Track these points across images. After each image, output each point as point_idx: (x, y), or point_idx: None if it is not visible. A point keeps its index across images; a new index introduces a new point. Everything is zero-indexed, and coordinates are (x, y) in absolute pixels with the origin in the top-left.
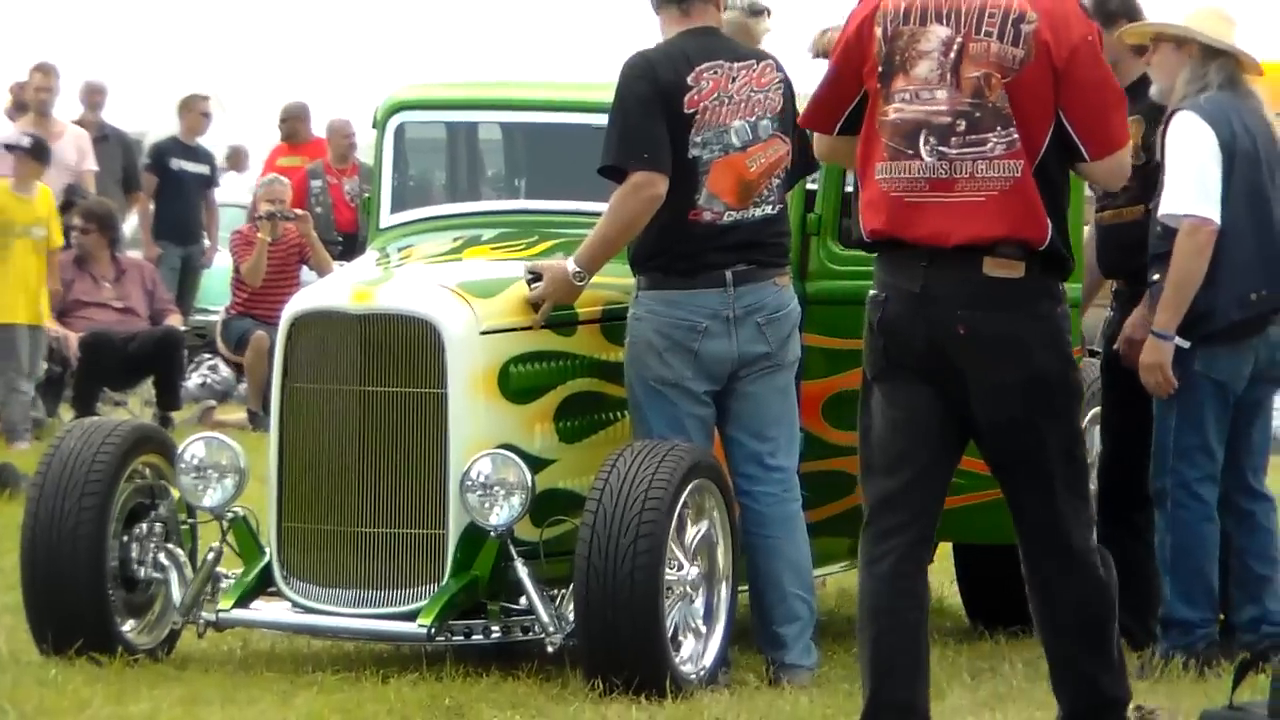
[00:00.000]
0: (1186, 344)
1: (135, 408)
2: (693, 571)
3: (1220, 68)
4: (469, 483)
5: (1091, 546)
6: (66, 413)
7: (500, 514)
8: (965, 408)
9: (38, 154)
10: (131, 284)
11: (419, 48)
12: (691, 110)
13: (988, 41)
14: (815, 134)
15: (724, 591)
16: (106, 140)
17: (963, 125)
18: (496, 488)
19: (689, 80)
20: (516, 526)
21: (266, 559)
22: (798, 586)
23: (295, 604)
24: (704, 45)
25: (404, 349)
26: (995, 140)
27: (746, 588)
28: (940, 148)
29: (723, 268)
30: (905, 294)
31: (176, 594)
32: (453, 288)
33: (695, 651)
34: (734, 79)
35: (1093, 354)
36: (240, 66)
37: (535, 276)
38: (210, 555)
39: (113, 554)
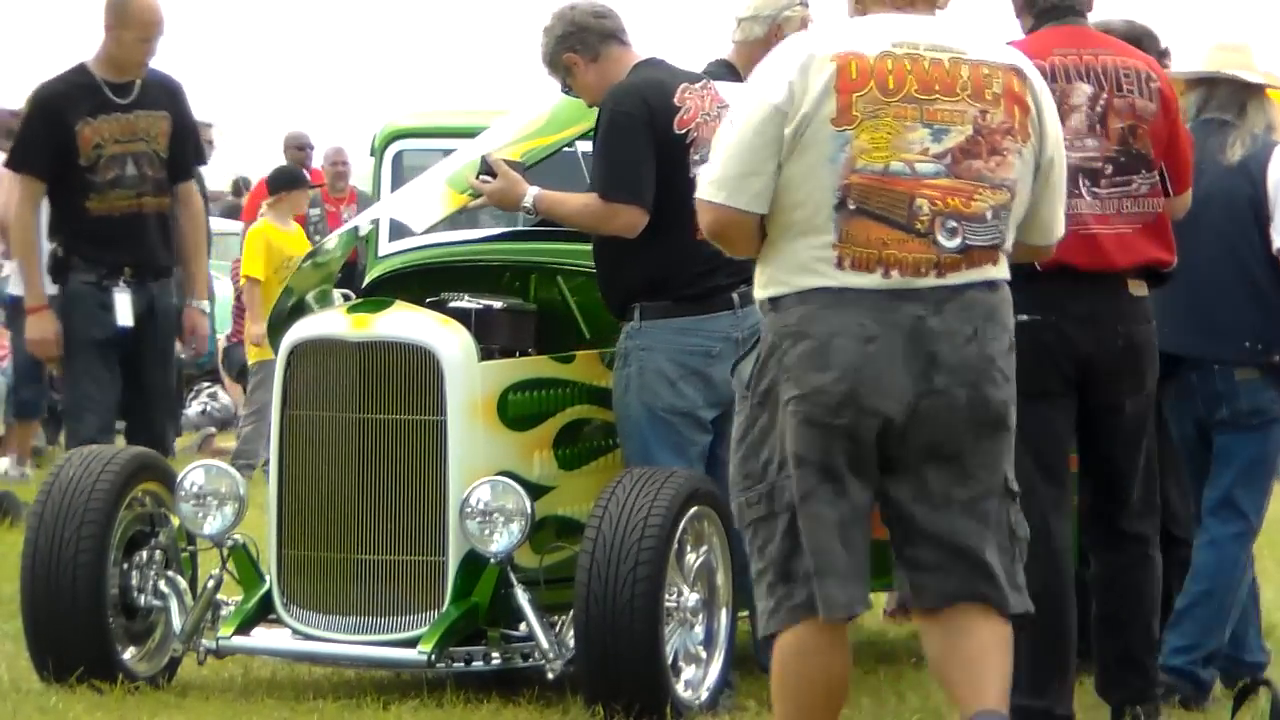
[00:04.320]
0: None
1: None
2: (692, 598)
3: (1207, 97)
4: (468, 510)
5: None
6: None
7: (500, 541)
8: (1097, 408)
9: (278, 182)
10: None
11: (416, 76)
12: (684, 130)
13: (1131, 98)
14: None
15: (724, 617)
16: None
17: (1110, 169)
18: (496, 515)
19: (675, 102)
20: (516, 553)
21: (266, 586)
22: None
23: (295, 631)
24: (667, 71)
25: (403, 376)
26: (1140, 181)
27: (745, 614)
28: (1094, 189)
29: (729, 290)
30: (1073, 315)
31: (177, 621)
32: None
33: (696, 678)
34: (704, 98)
35: None
36: (239, 96)
37: (489, 171)
38: (210, 583)
39: (113, 582)
